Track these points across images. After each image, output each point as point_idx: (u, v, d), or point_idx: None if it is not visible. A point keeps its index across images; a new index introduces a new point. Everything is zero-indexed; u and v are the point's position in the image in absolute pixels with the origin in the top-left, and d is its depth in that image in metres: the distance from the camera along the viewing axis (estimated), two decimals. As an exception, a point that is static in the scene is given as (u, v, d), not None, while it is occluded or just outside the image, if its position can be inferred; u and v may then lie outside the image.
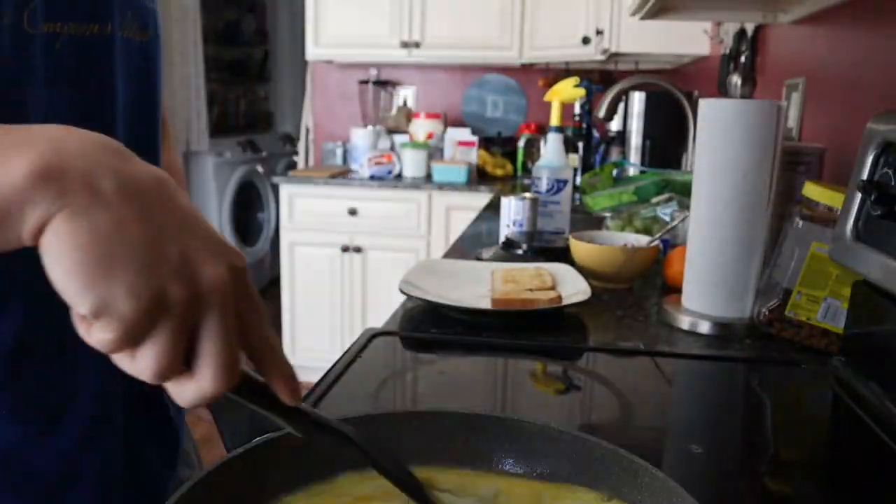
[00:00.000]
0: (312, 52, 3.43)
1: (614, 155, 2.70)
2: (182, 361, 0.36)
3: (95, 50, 0.60)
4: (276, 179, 3.22)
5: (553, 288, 1.01)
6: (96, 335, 0.34)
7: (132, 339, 0.34)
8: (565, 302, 0.97)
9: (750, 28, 1.85)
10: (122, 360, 0.35)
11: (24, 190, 0.33)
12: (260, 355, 0.39)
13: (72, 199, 0.33)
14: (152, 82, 0.67)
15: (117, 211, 0.34)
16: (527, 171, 3.29)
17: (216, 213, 4.11)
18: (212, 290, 0.36)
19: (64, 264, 0.33)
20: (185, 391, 0.37)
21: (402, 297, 1.04)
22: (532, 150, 3.30)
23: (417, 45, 3.32)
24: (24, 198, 0.33)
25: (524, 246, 1.32)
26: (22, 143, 0.34)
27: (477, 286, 1.09)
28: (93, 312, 0.33)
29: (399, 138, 3.45)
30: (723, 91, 2.09)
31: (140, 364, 0.35)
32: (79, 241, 0.33)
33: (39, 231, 0.33)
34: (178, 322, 0.35)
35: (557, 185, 1.49)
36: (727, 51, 2.03)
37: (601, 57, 2.75)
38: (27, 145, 0.34)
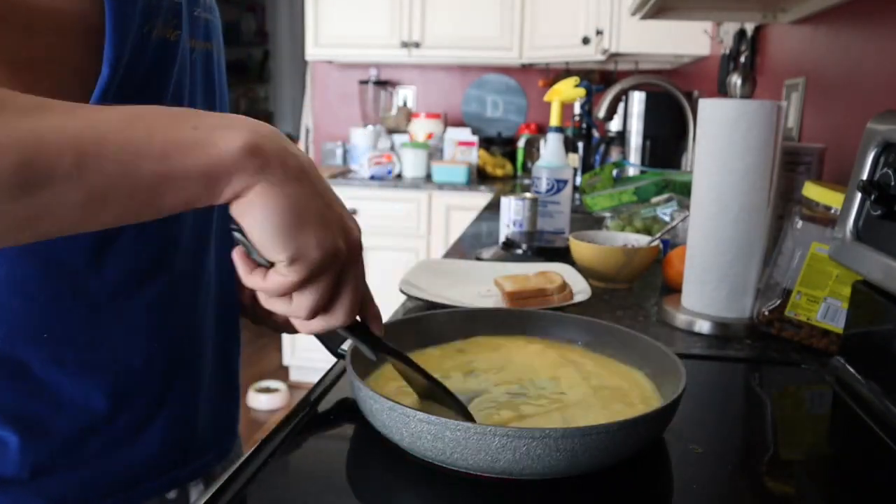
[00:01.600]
0: (312, 52, 3.43)
1: (614, 155, 2.70)
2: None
3: (211, 64, 0.65)
4: (276, 179, 3.22)
5: (564, 285, 1.00)
6: (278, 280, 0.46)
7: (309, 279, 0.46)
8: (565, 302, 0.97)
9: (750, 28, 1.85)
10: (277, 303, 0.48)
11: (237, 160, 0.42)
12: (364, 300, 0.53)
13: (270, 173, 0.43)
14: (213, 90, 0.69)
15: (301, 185, 0.44)
16: (527, 171, 3.29)
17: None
18: (355, 247, 0.48)
19: (269, 223, 0.43)
20: (313, 324, 0.50)
21: (402, 297, 1.04)
22: (532, 150, 3.30)
23: (417, 45, 3.32)
24: (236, 166, 0.42)
25: (524, 246, 1.32)
26: (230, 124, 0.43)
27: (477, 286, 1.09)
28: (290, 259, 0.44)
29: (399, 138, 3.45)
30: (723, 91, 2.09)
31: (301, 302, 0.47)
32: (279, 206, 0.43)
33: (236, 196, 0.43)
34: (338, 269, 0.47)
35: (557, 185, 1.49)
36: (727, 51, 2.03)
37: (601, 57, 2.75)
38: (236, 127, 0.43)
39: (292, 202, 0.43)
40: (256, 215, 0.43)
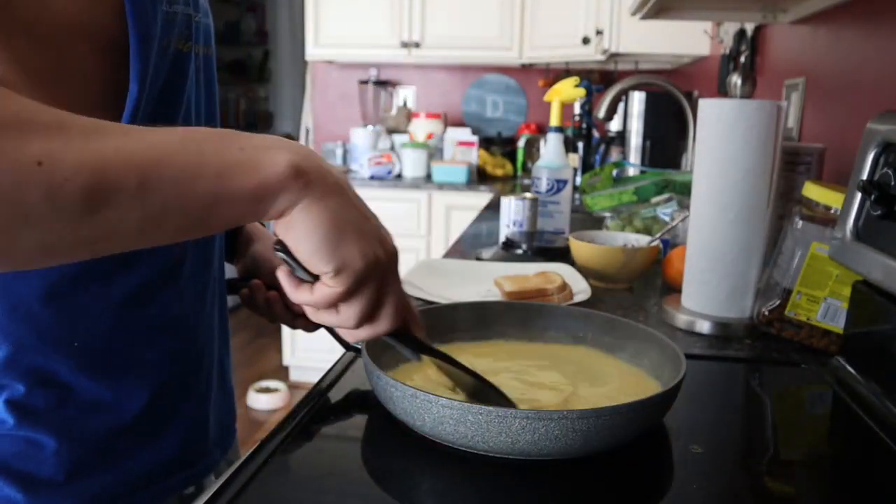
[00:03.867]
0: (312, 52, 3.43)
1: (614, 155, 2.70)
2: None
3: (210, 67, 0.66)
4: (276, 179, 3.22)
5: (564, 285, 1.00)
6: (325, 292, 0.48)
7: (354, 289, 0.48)
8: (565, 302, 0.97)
9: (750, 28, 1.85)
10: (325, 315, 0.50)
11: (283, 180, 0.44)
12: (404, 306, 0.54)
13: (311, 191, 0.45)
14: (212, 92, 0.70)
15: (339, 199, 0.47)
16: (527, 171, 3.29)
17: (216, 213, 4.10)
18: (393, 255, 0.50)
19: (314, 237, 0.46)
20: (361, 332, 0.52)
21: (402, 297, 1.04)
22: (532, 150, 3.30)
23: (417, 45, 3.32)
24: (281, 186, 0.44)
25: (524, 246, 1.32)
26: (272, 145, 0.45)
27: (477, 286, 1.09)
28: (335, 270, 0.47)
29: (399, 138, 3.45)
30: (723, 91, 2.09)
31: (347, 313, 0.50)
32: (322, 220, 0.45)
33: (281, 213, 0.45)
34: (380, 277, 0.49)
35: (557, 185, 1.49)
36: (727, 51, 2.03)
37: (601, 57, 2.74)
38: (278, 148, 0.45)
39: (333, 216, 0.46)
40: (301, 231, 0.45)
